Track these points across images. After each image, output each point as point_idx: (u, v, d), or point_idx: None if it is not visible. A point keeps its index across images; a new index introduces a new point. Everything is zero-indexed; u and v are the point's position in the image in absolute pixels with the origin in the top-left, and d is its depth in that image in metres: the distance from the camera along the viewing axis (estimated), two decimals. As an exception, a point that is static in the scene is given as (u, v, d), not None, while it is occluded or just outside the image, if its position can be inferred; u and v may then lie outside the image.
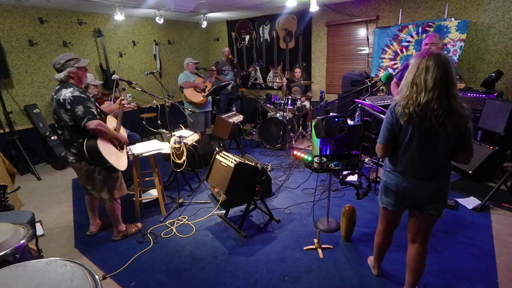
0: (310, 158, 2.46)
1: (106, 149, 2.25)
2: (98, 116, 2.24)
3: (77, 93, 2.16)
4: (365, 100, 3.29)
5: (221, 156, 2.74)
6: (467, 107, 1.48)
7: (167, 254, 2.44)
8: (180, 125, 3.65)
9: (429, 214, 1.65)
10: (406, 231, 1.83)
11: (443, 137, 1.49)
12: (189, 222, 2.88)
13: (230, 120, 4.33)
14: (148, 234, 2.70)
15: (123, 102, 2.66)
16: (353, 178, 3.41)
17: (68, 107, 2.13)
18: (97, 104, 2.43)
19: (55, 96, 2.19)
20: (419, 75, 1.46)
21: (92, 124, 2.14)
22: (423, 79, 1.45)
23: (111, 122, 2.46)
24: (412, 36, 4.55)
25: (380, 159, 3.39)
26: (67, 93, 2.14)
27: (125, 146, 2.59)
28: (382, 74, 4.47)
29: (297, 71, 5.46)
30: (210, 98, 4.73)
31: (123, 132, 2.59)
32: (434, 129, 1.46)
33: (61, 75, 2.20)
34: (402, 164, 1.63)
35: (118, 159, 2.38)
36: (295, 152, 4.46)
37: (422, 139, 1.53)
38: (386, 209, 1.79)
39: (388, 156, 1.71)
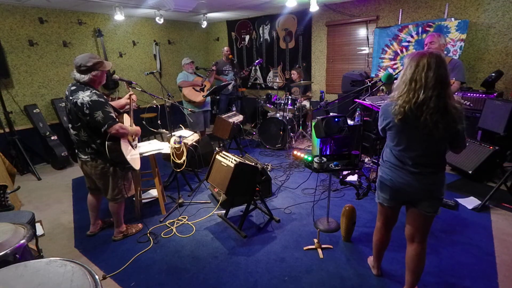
0: (310, 158, 2.46)
1: (125, 150, 2.30)
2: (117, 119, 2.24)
3: (95, 97, 2.13)
4: (365, 100, 3.29)
5: (221, 156, 2.73)
6: (461, 107, 1.49)
7: (167, 254, 2.44)
8: (180, 125, 3.65)
9: (425, 211, 1.66)
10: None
11: (435, 136, 1.49)
12: (189, 222, 2.88)
13: (230, 120, 4.33)
14: (148, 234, 2.70)
15: (132, 97, 2.60)
16: (353, 178, 3.41)
17: (87, 111, 2.11)
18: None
19: (71, 97, 2.16)
20: (420, 72, 1.45)
21: (114, 129, 2.17)
22: (424, 76, 1.44)
23: (127, 121, 2.47)
24: (412, 36, 4.55)
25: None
26: (85, 96, 2.11)
27: (136, 145, 2.63)
28: (382, 74, 4.47)
29: (293, 73, 5.47)
30: (209, 97, 4.73)
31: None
32: (428, 128, 1.47)
33: (85, 78, 2.17)
34: (395, 159, 1.66)
35: (134, 159, 2.43)
36: (295, 152, 4.46)
37: (414, 137, 1.55)
38: (381, 204, 1.82)
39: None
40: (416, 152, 1.58)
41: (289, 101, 4.93)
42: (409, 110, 1.47)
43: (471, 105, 3.68)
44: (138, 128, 2.54)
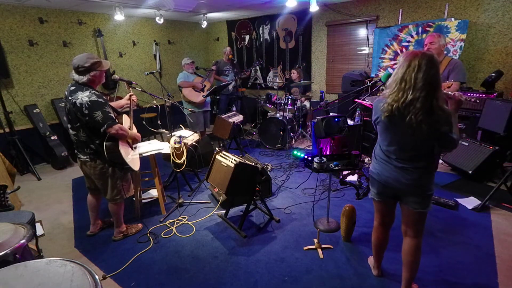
0: (301, 155, 2.45)
1: (124, 151, 2.29)
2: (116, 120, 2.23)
3: (94, 98, 2.13)
4: (365, 100, 3.29)
5: (221, 156, 2.74)
6: (448, 110, 1.50)
7: (167, 254, 2.44)
8: (180, 125, 3.65)
9: (413, 208, 1.67)
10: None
11: (419, 136, 1.51)
12: (189, 222, 2.88)
13: (230, 120, 4.33)
14: (148, 234, 2.70)
15: (133, 97, 2.59)
16: (353, 178, 3.41)
17: (86, 112, 2.11)
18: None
19: (70, 98, 2.16)
20: (410, 72, 1.47)
21: (113, 129, 2.17)
22: (414, 77, 1.46)
23: (126, 122, 2.46)
24: (412, 36, 4.55)
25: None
26: (84, 97, 2.11)
27: (136, 146, 2.61)
28: (382, 74, 4.47)
29: (293, 72, 5.50)
30: (209, 97, 4.73)
31: (134, 129, 2.59)
32: (412, 128, 1.49)
33: (84, 78, 2.16)
34: (383, 153, 1.71)
35: (133, 160, 2.42)
36: (295, 152, 4.46)
37: (399, 134, 1.59)
38: (374, 200, 1.87)
39: None
40: (401, 149, 1.61)
41: (289, 101, 4.93)
42: (396, 109, 1.51)
43: (478, 101, 3.64)
44: (138, 134, 2.52)
